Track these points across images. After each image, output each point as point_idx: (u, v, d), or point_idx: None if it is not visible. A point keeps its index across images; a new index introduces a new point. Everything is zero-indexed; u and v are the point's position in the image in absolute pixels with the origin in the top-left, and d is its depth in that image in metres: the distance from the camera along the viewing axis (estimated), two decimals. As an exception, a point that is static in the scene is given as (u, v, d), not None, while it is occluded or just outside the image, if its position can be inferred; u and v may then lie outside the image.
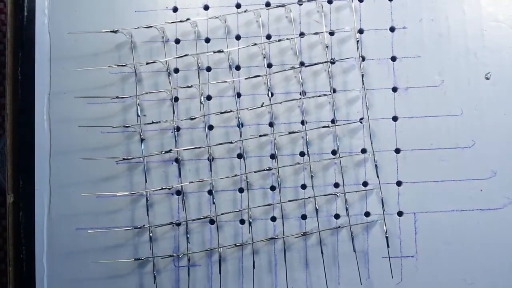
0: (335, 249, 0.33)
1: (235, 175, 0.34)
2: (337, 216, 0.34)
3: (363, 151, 0.34)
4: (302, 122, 0.34)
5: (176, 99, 0.34)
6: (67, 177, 0.34)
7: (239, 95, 0.34)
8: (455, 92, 0.34)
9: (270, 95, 0.34)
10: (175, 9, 0.35)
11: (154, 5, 0.35)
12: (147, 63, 0.34)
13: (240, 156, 0.34)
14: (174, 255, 0.33)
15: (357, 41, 0.34)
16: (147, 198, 0.33)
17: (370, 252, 0.33)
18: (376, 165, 0.33)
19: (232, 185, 0.34)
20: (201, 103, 0.34)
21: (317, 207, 0.33)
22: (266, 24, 0.34)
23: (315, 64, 0.34)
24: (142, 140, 0.34)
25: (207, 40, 0.35)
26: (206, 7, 0.35)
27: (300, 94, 0.34)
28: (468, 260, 0.33)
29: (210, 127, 0.34)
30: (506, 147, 0.33)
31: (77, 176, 0.34)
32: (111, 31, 0.34)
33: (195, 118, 0.34)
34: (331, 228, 0.33)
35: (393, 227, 0.33)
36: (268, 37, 0.35)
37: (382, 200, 0.33)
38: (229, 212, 0.33)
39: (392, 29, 0.34)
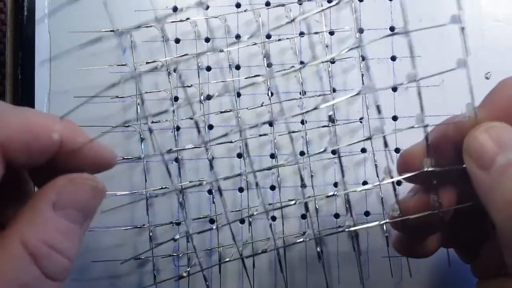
0: (335, 249, 0.33)
1: (239, 175, 0.34)
2: (337, 216, 0.34)
3: (363, 150, 0.34)
4: (302, 122, 0.34)
5: (176, 98, 0.34)
6: (67, 176, 0.34)
7: (239, 94, 0.34)
8: (455, 92, 0.34)
9: (270, 94, 0.34)
10: (175, 9, 0.35)
11: (154, 5, 0.35)
12: (147, 63, 0.34)
13: (240, 155, 0.34)
14: (174, 254, 0.33)
15: (358, 40, 0.34)
16: (147, 198, 0.33)
17: (370, 252, 0.33)
18: (376, 165, 0.33)
19: (232, 184, 0.34)
20: (201, 102, 0.34)
21: (317, 207, 0.33)
22: (266, 24, 0.35)
23: (315, 64, 0.34)
24: (142, 139, 0.34)
25: (207, 40, 0.35)
26: (206, 7, 0.35)
27: (300, 93, 0.34)
28: (468, 260, 0.33)
29: (210, 127, 0.34)
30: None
31: (77, 175, 0.34)
32: (111, 31, 0.34)
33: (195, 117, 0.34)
34: (331, 228, 0.33)
35: (393, 226, 0.33)
36: (268, 36, 0.35)
37: (382, 200, 0.33)
38: (229, 212, 0.33)
39: (392, 29, 0.34)
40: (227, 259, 0.31)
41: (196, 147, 0.33)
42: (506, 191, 0.21)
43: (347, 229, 0.28)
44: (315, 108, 0.26)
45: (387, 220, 0.27)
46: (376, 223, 0.28)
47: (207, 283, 0.31)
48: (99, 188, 0.24)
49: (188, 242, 0.33)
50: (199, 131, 0.28)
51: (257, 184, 0.27)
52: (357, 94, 0.26)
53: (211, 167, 0.29)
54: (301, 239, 0.29)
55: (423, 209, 0.26)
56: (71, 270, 0.23)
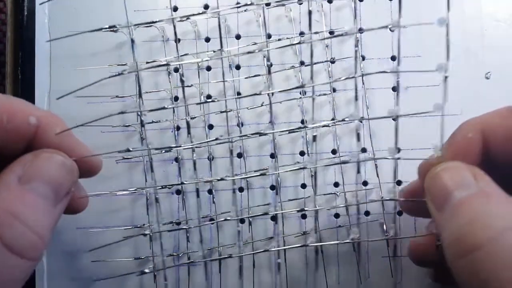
0: (335, 249, 0.33)
1: (235, 175, 0.34)
2: (337, 216, 0.34)
3: (363, 150, 0.34)
4: (302, 122, 0.34)
5: (176, 98, 0.34)
6: (67, 176, 0.34)
7: (239, 94, 0.34)
8: (455, 92, 0.34)
9: (270, 94, 0.34)
10: (175, 9, 0.35)
11: (154, 5, 0.35)
12: (147, 63, 0.34)
13: (240, 155, 0.34)
14: (174, 254, 0.33)
15: (357, 41, 0.34)
16: (147, 198, 0.33)
17: (370, 252, 0.33)
18: (376, 165, 0.33)
19: (232, 184, 0.34)
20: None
21: (317, 207, 0.33)
22: (266, 24, 0.34)
23: (315, 63, 0.34)
24: (142, 139, 0.34)
25: (207, 40, 0.35)
26: (206, 7, 0.35)
27: (300, 93, 0.34)
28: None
29: (210, 127, 0.34)
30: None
31: (77, 175, 0.34)
32: (111, 30, 0.34)
33: (195, 117, 0.34)
34: (331, 228, 0.33)
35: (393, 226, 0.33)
36: (268, 36, 0.35)
37: (382, 199, 0.33)
38: (229, 212, 0.33)
39: (392, 30, 0.34)
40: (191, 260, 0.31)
41: (196, 147, 0.33)
42: (455, 228, 0.22)
43: (310, 244, 0.31)
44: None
45: (347, 240, 0.31)
46: (335, 242, 0.31)
47: (165, 282, 0.31)
48: (67, 164, 0.24)
49: (189, 242, 0.33)
50: (189, 132, 0.29)
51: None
52: (350, 121, 0.29)
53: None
54: (263, 250, 0.32)
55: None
56: (43, 251, 0.22)
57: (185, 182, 0.32)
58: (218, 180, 0.31)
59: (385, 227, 0.33)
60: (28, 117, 0.24)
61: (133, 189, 0.32)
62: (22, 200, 0.22)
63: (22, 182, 0.22)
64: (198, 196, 0.33)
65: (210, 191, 0.34)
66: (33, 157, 0.23)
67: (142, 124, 0.28)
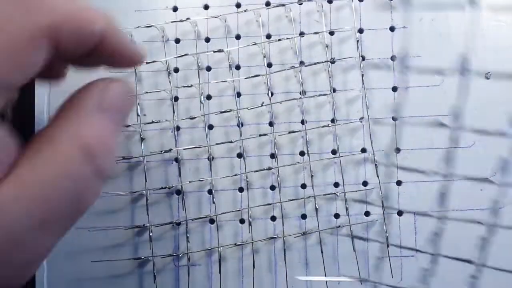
0: (335, 249, 0.33)
1: (235, 175, 0.34)
2: (337, 216, 0.34)
3: (363, 150, 0.34)
4: (302, 122, 0.34)
5: (176, 98, 0.34)
6: (67, 176, 0.34)
7: (239, 94, 0.34)
8: (455, 92, 0.34)
9: (270, 94, 0.34)
10: (175, 9, 0.35)
11: (154, 5, 0.35)
12: (147, 63, 0.34)
13: (240, 155, 0.34)
14: (174, 254, 0.33)
15: (357, 41, 0.34)
16: (147, 198, 0.33)
17: (370, 252, 0.33)
18: (376, 165, 0.33)
19: (232, 184, 0.34)
20: (201, 102, 0.34)
21: (317, 207, 0.33)
22: (266, 24, 0.35)
23: (315, 63, 0.34)
24: (142, 139, 0.34)
25: (207, 40, 0.35)
26: (206, 7, 0.35)
27: (300, 93, 0.34)
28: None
29: (210, 127, 0.34)
30: (506, 147, 0.33)
31: (77, 175, 0.34)
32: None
33: (195, 117, 0.34)
34: (331, 228, 0.33)
35: (393, 226, 0.33)
36: (268, 36, 0.35)
37: (382, 199, 0.33)
38: (229, 212, 0.33)
39: (392, 29, 0.35)
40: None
41: (196, 147, 0.33)
42: None
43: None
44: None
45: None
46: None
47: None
48: (133, 93, 0.25)
49: (188, 242, 0.33)
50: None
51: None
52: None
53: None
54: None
55: None
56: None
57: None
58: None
59: (385, 227, 0.33)
60: (94, 26, 0.21)
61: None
62: (104, 128, 0.21)
63: (100, 109, 0.22)
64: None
65: (210, 191, 0.34)
66: (105, 84, 0.23)
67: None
